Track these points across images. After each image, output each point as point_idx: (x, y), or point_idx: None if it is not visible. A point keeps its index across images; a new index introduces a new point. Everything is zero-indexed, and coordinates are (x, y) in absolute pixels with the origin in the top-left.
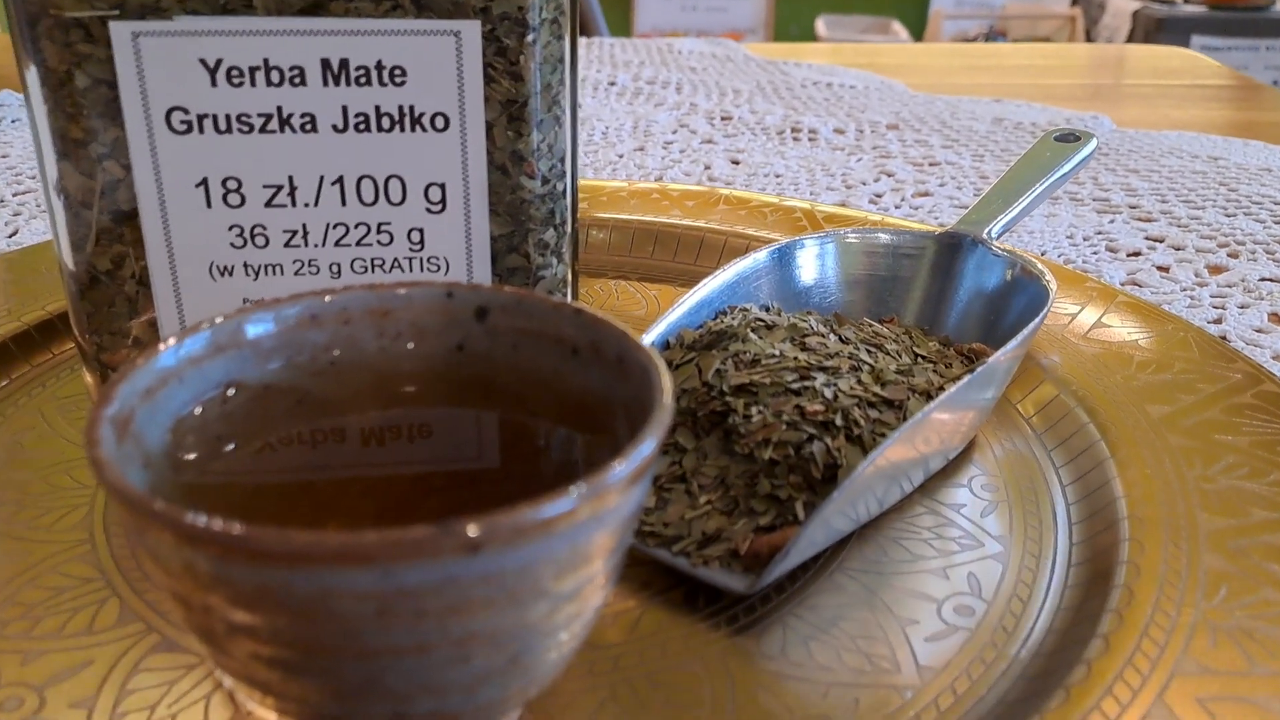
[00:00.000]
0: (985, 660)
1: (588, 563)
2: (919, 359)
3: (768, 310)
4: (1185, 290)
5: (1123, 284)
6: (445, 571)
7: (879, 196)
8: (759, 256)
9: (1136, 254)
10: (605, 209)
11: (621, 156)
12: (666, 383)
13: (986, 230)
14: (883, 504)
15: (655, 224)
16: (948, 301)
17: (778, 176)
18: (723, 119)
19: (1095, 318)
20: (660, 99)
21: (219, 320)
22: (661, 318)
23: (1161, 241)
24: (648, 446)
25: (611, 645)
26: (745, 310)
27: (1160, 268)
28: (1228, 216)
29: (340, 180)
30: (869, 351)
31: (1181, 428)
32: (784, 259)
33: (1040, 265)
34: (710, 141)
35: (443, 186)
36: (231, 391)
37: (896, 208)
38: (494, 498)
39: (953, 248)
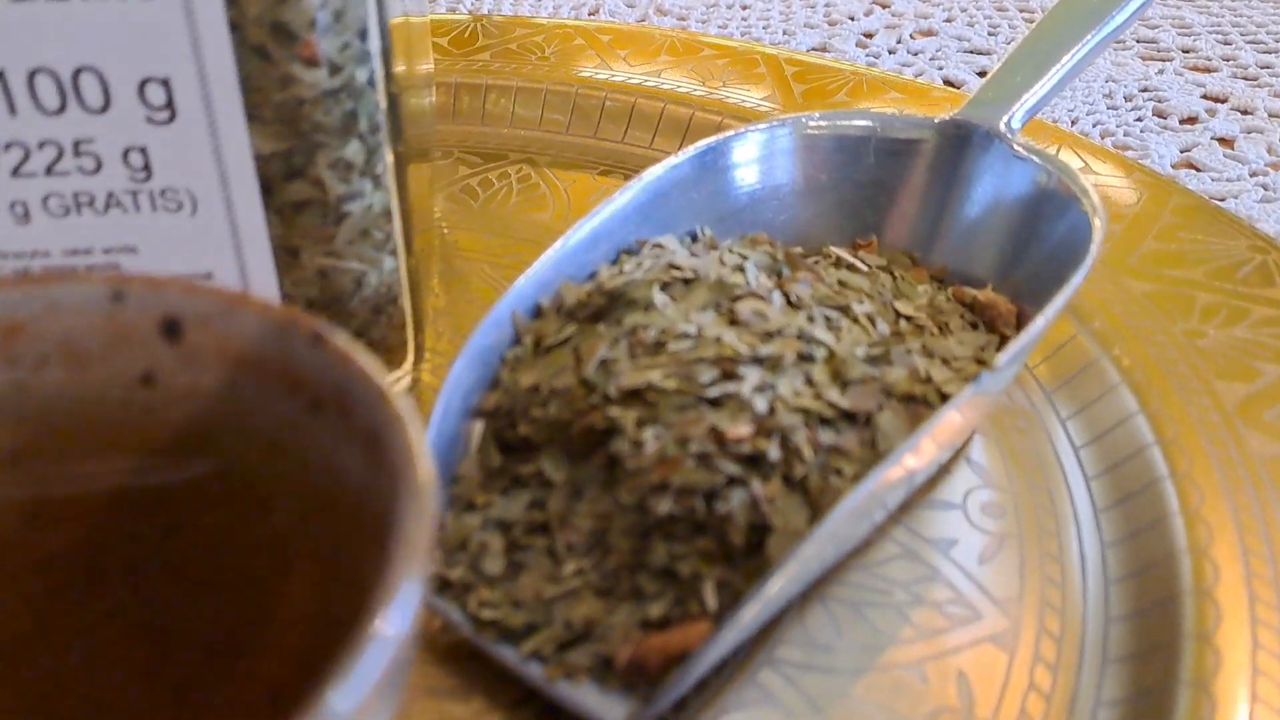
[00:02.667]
0: None
1: None
2: (901, 323)
3: (695, 240)
4: (1255, 176)
5: (1175, 165)
6: None
7: (869, 37)
8: (678, 162)
9: (1192, 120)
10: (511, 61)
11: None
12: (424, 505)
13: (1006, 117)
14: (840, 554)
15: (572, 83)
16: (949, 219)
17: (744, 8)
18: None
19: (1148, 232)
20: None
21: None
22: (538, 263)
23: (1223, 102)
24: (363, 676)
25: None
26: (658, 249)
27: (1222, 140)
28: None
29: (1, 76)
30: (828, 321)
31: (1267, 424)
32: (717, 163)
33: (1082, 181)
34: None
35: (166, 83)
36: None
37: (890, 53)
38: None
39: (958, 142)
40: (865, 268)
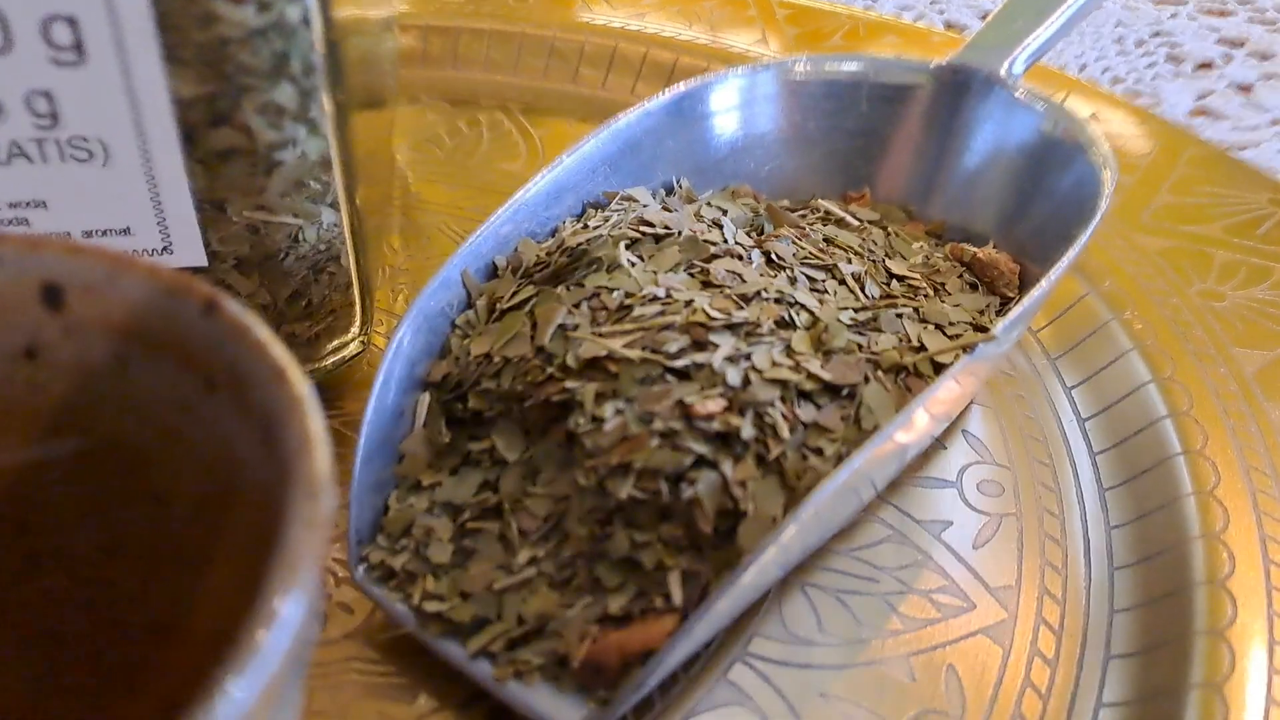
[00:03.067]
0: None
1: None
2: (893, 284)
3: (671, 193)
4: (1276, 124)
5: (1190, 114)
6: None
7: None
8: (652, 108)
9: (1207, 66)
10: (486, 3)
11: None
12: (316, 507)
13: (1007, 62)
14: (822, 538)
15: (550, 26)
16: (947, 170)
17: None
18: None
19: (1162, 184)
20: None
21: None
22: (494, 217)
23: (1241, 46)
24: (239, 697)
25: None
26: (628, 202)
27: (1240, 88)
28: None
29: None
30: (811, 283)
31: None
32: (695, 109)
33: (1090, 130)
34: None
35: (73, 21)
36: None
37: None
38: None
39: (956, 88)
40: (855, 223)
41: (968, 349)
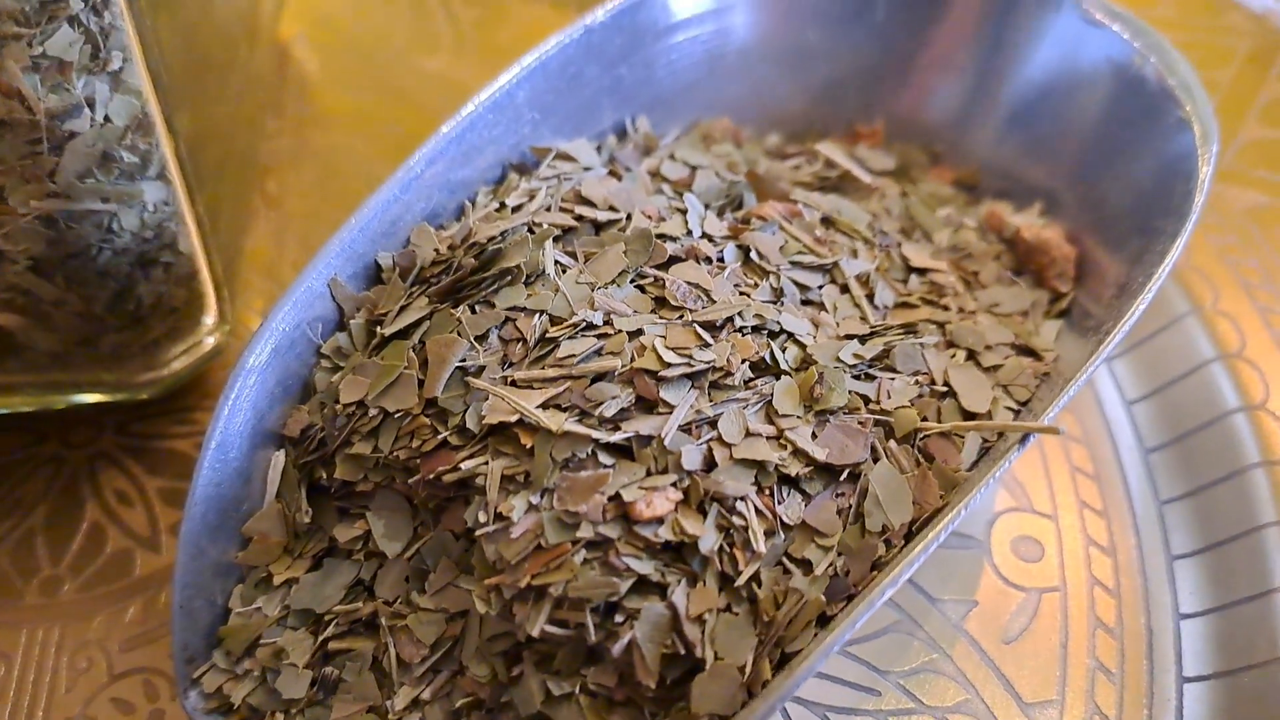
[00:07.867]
0: None
1: None
2: (912, 279)
3: (624, 138)
4: None
5: None
6: None
7: None
8: (594, 23)
9: None
10: None
11: None
12: None
13: None
14: None
15: None
16: (986, 102)
17: None
18: None
19: (1249, 108)
20: None
21: None
22: (379, 193)
23: None
24: None
25: None
26: (563, 161)
27: None
28: None
29: None
30: (802, 293)
31: None
32: (654, 21)
33: (1186, 72)
34: None
35: None
36: None
37: None
38: None
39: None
40: (866, 178)
41: (1019, 438)
